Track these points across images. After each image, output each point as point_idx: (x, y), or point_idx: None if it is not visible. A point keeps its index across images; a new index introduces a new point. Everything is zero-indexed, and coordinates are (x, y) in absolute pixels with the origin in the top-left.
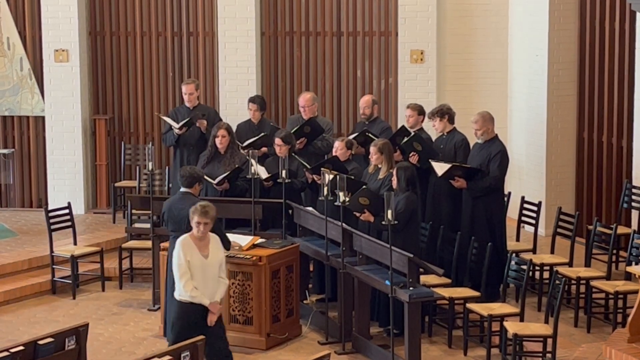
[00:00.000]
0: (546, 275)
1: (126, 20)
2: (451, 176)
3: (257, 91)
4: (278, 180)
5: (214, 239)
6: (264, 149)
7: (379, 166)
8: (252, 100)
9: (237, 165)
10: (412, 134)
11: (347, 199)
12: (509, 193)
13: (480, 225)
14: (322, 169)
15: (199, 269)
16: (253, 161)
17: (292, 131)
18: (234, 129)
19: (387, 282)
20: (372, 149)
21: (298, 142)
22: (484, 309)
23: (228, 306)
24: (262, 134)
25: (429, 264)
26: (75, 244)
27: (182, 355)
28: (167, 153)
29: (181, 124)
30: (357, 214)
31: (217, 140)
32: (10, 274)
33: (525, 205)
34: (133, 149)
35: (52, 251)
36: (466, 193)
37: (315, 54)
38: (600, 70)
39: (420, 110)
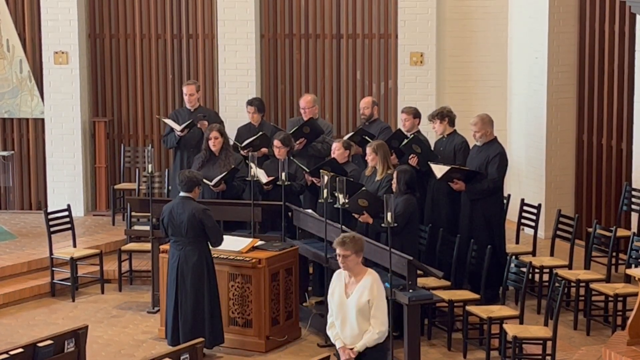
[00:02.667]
0: (546, 277)
1: (126, 22)
2: (450, 178)
3: (257, 94)
4: (277, 183)
5: (370, 279)
6: (264, 150)
7: (376, 167)
8: (249, 102)
9: (233, 166)
10: (411, 136)
11: (346, 200)
12: (509, 195)
13: (479, 228)
14: (321, 171)
15: (337, 307)
16: (253, 165)
17: (291, 131)
18: (235, 132)
19: (387, 285)
20: (367, 149)
21: (297, 142)
22: (484, 311)
23: (227, 309)
24: (260, 132)
25: (429, 266)
26: (74, 246)
27: (182, 357)
28: (166, 155)
29: (183, 126)
30: (356, 216)
31: (211, 143)
32: (10, 277)
33: (525, 208)
34: (132, 152)
35: (51, 254)
36: (465, 195)
37: (315, 57)
38: (599, 72)
39: (415, 114)
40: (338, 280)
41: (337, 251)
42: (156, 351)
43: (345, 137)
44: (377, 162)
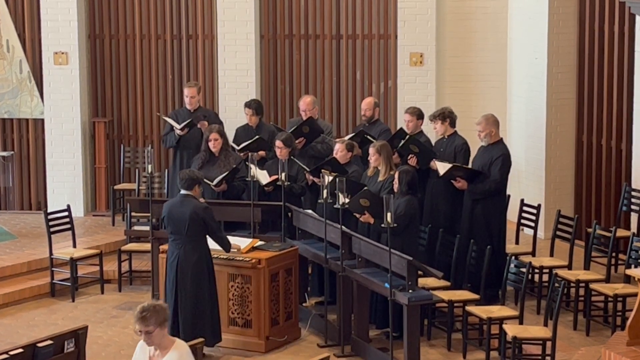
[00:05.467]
0: (545, 278)
1: (125, 23)
2: (452, 176)
3: (257, 94)
4: (277, 183)
5: (177, 354)
6: (262, 153)
7: (378, 168)
8: (247, 105)
9: (234, 166)
10: (407, 137)
11: (347, 200)
12: (509, 196)
13: (479, 228)
14: (322, 171)
15: None
16: (252, 166)
17: (290, 131)
18: (233, 133)
19: (387, 285)
20: (370, 150)
21: (297, 141)
22: (483, 311)
23: (227, 309)
24: (257, 136)
25: (428, 266)
26: (74, 246)
27: None
28: (166, 156)
29: (183, 124)
30: (357, 215)
31: (211, 144)
32: (10, 277)
33: (525, 208)
34: (132, 152)
35: (51, 254)
36: (466, 195)
37: (315, 57)
38: (599, 73)
39: (418, 115)
40: (142, 352)
41: (137, 327)
42: None
43: (346, 138)
44: (380, 163)
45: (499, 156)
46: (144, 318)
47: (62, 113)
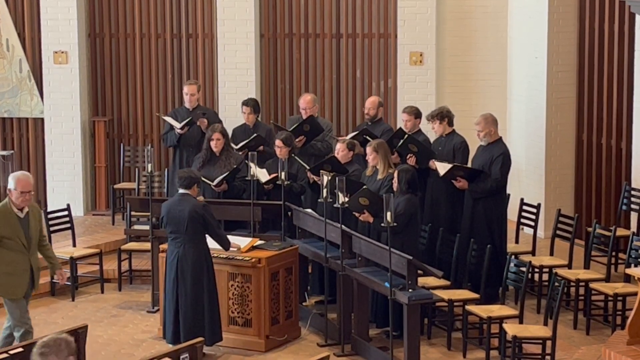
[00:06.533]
0: (545, 277)
1: (125, 22)
2: (453, 176)
3: (257, 93)
4: (277, 182)
5: None
6: (261, 148)
7: (376, 167)
8: (245, 103)
9: (235, 166)
10: (405, 137)
11: (346, 200)
12: (509, 195)
13: (479, 227)
14: (321, 171)
15: None
16: (252, 164)
17: (291, 129)
18: (230, 133)
19: (387, 284)
20: (368, 149)
21: (297, 139)
22: (483, 311)
23: (227, 308)
24: (255, 134)
25: (428, 265)
26: (74, 245)
27: (182, 357)
28: (166, 155)
29: (183, 123)
30: (357, 214)
31: (213, 144)
32: None
33: (525, 207)
34: (132, 151)
35: None
36: (467, 195)
37: (315, 56)
38: (599, 72)
39: (416, 114)
40: None
41: None
42: (156, 350)
43: (348, 137)
44: (377, 162)
45: (499, 155)
46: (42, 354)
47: (62, 112)
